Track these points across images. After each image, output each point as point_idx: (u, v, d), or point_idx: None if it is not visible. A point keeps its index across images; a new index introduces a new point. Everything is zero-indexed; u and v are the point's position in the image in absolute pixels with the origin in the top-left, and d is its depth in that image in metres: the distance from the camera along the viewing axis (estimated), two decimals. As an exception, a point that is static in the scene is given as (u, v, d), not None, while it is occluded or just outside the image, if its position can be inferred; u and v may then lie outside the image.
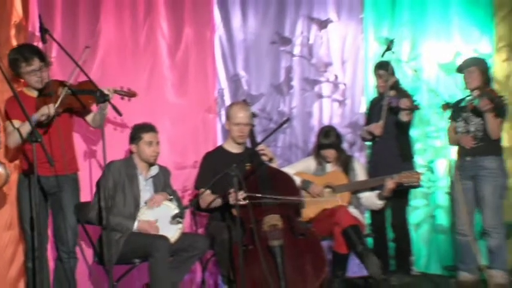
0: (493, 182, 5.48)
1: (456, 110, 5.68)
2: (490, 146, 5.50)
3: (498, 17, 6.79)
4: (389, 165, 5.56)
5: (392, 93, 5.76)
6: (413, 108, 5.57)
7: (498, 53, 6.76)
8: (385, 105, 5.67)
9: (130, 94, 5.10)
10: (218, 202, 5.04)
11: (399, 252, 5.95)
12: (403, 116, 5.62)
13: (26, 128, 4.57)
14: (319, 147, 5.54)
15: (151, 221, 4.86)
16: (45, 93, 4.72)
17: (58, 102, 4.66)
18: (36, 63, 4.69)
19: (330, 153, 5.50)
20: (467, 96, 5.64)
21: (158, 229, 4.85)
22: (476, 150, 5.50)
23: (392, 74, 5.80)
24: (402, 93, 5.75)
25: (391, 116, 5.70)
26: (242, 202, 4.70)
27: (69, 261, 4.88)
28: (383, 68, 5.83)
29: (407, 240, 5.98)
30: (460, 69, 5.70)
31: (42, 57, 4.74)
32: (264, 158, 5.25)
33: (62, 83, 4.79)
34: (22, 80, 4.85)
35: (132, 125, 5.10)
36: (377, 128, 5.74)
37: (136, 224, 4.83)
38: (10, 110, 4.70)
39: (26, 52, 4.70)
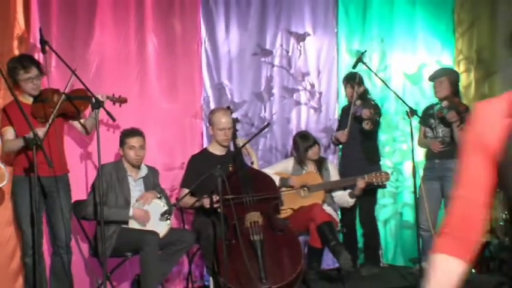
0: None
1: (426, 116, 5.74)
2: (456, 149, 5.57)
3: (458, 32, 6.90)
4: (357, 168, 5.62)
5: (358, 102, 5.82)
6: (373, 118, 5.62)
7: (458, 65, 6.86)
8: (351, 114, 5.73)
9: (122, 100, 5.13)
10: (196, 204, 5.09)
11: (368, 246, 6.01)
12: (365, 125, 5.68)
13: (18, 143, 4.57)
14: (304, 150, 5.57)
15: (144, 209, 4.89)
16: (41, 100, 4.73)
17: (54, 112, 4.65)
18: (33, 71, 4.69)
19: (315, 150, 5.56)
20: (436, 104, 5.70)
21: (150, 217, 4.88)
22: (444, 153, 5.57)
23: (360, 84, 5.85)
24: (367, 103, 5.80)
25: (356, 124, 5.75)
26: (215, 205, 4.86)
27: (65, 256, 4.87)
28: (351, 79, 5.89)
29: (375, 236, 6.03)
30: (431, 78, 5.77)
31: (39, 66, 4.76)
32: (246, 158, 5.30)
33: (56, 91, 4.80)
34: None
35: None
36: (342, 135, 5.81)
37: (131, 211, 4.84)
38: (5, 118, 4.69)
39: (24, 61, 4.71)
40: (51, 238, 4.93)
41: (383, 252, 6.45)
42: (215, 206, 4.88)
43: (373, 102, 5.86)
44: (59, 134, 4.88)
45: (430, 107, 5.81)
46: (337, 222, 5.47)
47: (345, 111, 6.04)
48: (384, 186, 5.82)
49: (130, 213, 4.84)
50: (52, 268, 4.94)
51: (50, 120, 4.62)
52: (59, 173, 4.79)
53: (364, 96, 5.88)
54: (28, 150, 4.53)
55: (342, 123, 6.04)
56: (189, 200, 5.12)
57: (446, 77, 5.64)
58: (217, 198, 4.70)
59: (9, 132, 4.69)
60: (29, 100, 4.77)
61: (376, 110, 5.70)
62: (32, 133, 4.21)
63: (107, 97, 4.94)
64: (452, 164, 5.53)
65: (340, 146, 6.15)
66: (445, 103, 5.58)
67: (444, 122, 5.55)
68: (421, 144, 5.89)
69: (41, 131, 4.44)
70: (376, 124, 5.77)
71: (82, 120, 5.04)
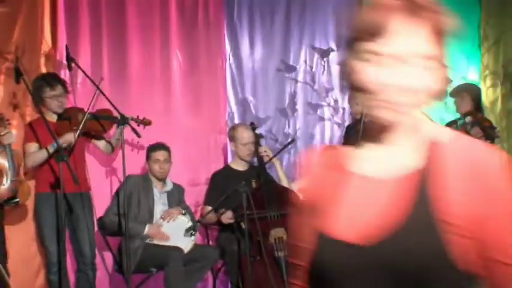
0: None
1: None
2: None
3: (484, 47, 6.83)
4: None
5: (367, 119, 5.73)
6: None
7: (484, 80, 6.80)
8: (361, 131, 5.64)
9: (146, 122, 5.13)
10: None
11: None
12: None
13: (42, 155, 4.62)
14: None
15: (158, 226, 4.89)
16: (65, 118, 4.77)
17: (80, 127, 4.69)
18: (58, 89, 4.75)
19: None
20: (459, 119, 5.64)
21: (166, 235, 4.87)
22: None
23: None
24: None
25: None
26: (231, 221, 4.91)
27: (90, 272, 4.88)
28: None
29: None
30: (452, 94, 5.71)
31: (64, 84, 4.82)
32: (265, 158, 5.28)
33: (80, 110, 4.84)
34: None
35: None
36: None
37: (147, 229, 4.83)
38: (30, 133, 4.73)
39: (50, 79, 4.79)
40: (76, 255, 4.93)
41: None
42: (235, 221, 4.86)
43: None
44: (82, 152, 4.93)
45: (453, 122, 5.74)
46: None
47: (351, 128, 5.99)
48: None
49: (146, 231, 4.84)
50: (77, 285, 4.94)
51: (75, 138, 4.66)
52: (83, 189, 4.81)
53: None
54: (50, 165, 4.57)
55: (348, 142, 5.95)
56: (213, 217, 5.11)
57: (467, 92, 5.59)
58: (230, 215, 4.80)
59: (33, 148, 4.74)
60: (54, 118, 4.82)
61: None
62: (55, 145, 4.27)
63: (132, 118, 4.95)
64: None
65: None
66: (468, 119, 5.52)
67: None
68: None
69: (69, 136, 4.57)
70: None
71: (103, 142, 5.06)
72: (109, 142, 5.06)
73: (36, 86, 4.75)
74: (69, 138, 4.61)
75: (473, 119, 5.47)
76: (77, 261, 4.93)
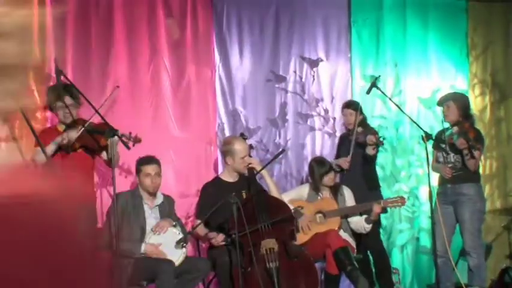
0: (472, 207, 5.50)
1: (437, 140, 5.69)
2: (468, 174, 5.52)
3: (472, 56, 6.88)
4: (357, 194, 5.57)
5: (359, 129, 5.78)
6: (378, 143, 5.60)
7: (472, 89, 6.83)
8: (353, 140, 5.70)
9: (136, 140, 4.96)
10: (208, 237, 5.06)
11: (380, 271, 5.87)
12: (370, 151, 5.65)
13: (51, 148, 4.64)
14: (320, 177, 5.51)
15: (155, 244, 4.84)
16: (67, 129, 4.75)
17: (72, 142, 4.68)
18: (66, 100, 4.72)
19: (331, 176, 5.51)
20: (447, 129, 5.65)
21: (163, 254, 4.83)
22: (456, 178, 5.50)
23: (360, 112, 5.81)
24: (368, 129, 5.78)
25: (358, 150, 5.72)
26: (222, 243, 4.89)
27: None
28: (351, 106, 5.86)
29: (385, 259, 5.92)
30: (439, 103, 5.73)
31: (73, 96, 4.78)
32: (253, 166, 5.25)
33: (83, 122, 4.81)
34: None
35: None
36: (345, 162, 5.75)
37: (143, 247, 4.81)
38: (41, 138, 4.70)
39: (59, 90, 4.76)
40: None
41: (400, 277, 6.35)
42: (226, 243, 4.88)
43: (374, 130, 5.84)
44: (84, 165, 4.87)
45: (442, 132, 5.75)
46: (353, 248, 5.41)
47: (344, 138, 6.02)
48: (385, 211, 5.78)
49: (142, 249, 4.81)
50: None
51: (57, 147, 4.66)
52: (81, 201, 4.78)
53: (363, 123, 5.86)
54: None
55: (341, 151, 5.99)
56: (201, 232, 5.08)
57: (453, 102, 5.59)
58: (222, 237, 4.88)
59: (36, 151, 4.74)
60: (62, 127, 4.85)
61: (379, 136, 5.69)
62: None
63: (122, 135, 4.84)
64: (464, 189, 5.50)
65: (340, 173, 6.09)
66: (455, 129, 5.53)
67: (455, 148, 5.50)
68: (433, 169, 5.83)
69: (71, 132, 4.63)
70: (377, 149, 5.76)
71: (104, 154, 5.01)
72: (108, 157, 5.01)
73: (47, 96, 4.87)
74: (72, 134, 4.60)
75: (459, 129, 5.49)
76: None
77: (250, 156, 5.37)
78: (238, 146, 5.25)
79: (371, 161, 5.78)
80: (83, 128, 4.70)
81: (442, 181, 5.64)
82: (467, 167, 5.46)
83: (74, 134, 4.65)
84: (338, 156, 6.03)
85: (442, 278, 5.49)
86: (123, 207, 4.85)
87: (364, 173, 5.80)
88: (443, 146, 5.60)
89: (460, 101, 5.65)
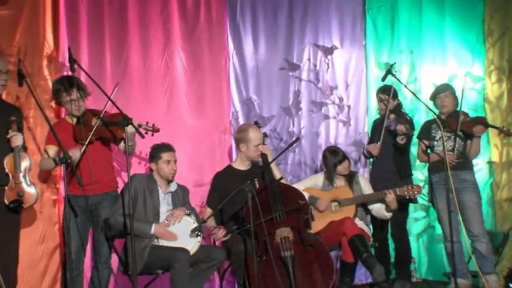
0: (474, 192, 5.57)
1: (425, 132, 5.77)
2: (467, 161, 5.62)
3: (488, 42, 6.80)
4: (389, 181, 5.54)
5: (392, 116, 5.74)
6: (408, 133, 5.56)
7: (489, 76, 6.76)
8: (384, 127, 5.66)
9: (155, 129, 4.97)
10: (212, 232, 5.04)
11: (400, 260, 5.88)
12: (400, 140, 5.61)
13: (50, 164, 4.69)
14: (334, 166, 5.49)
15: (165, 225, 4.85)
16: (81, 122, 4.74)
17: (90, 135, 4.66)
18: (74, 93, 4.71)
19: (345, 166, 5.48)
20: (432, 120, 5.65)
21: (174, 235, 4.83)
22: (457, 165, 5.47)
23: (394, 98, 5.78)
24: (402, 117, 5.73)
25: (389, 137, 5.68)
26: (223, 239, 4.91)
27: (104, 270, 4.89)
28: (385, 92, 5.81)
29: (407, 249, 5.91)
30: (435, 95, 5.71)
31: (81, 88, 4.78)
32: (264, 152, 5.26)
33: (95, 114, 4.80)
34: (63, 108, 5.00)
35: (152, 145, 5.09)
36: (375, 148, 5.73)
37: (153, 228, 4.80)
38: (51, 135, 4.69)
39: (66, 83, 4.75)
40: (94, 253, 4.98)
41: (416, 266, 6.32)
42: (222, 239, 4.91)
43: (407, 117, 5.79)
44: (103, 155, 4.92)
45: (433, 121, 5.70)
46: (369, 236, 5.39)
47: (377, 124, 5.96)
48: (415, 201, 5.73)
49: (152, 230, 4.80)
50: (91, 282, 4.97)
51: (85, 145, 4.64)
52: (104, 190, 4.84)
53: (397, 110, 5.81)
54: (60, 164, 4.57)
55: (373, 137, 5.95)
56: (209, 223, 5.07)
57: (451, 92, 5.72)
58: (224, 232, 4.87)
59: (51, 151, 4.75)
60: (73, 120, 4.84)
61: (411, 125, 5.65)
62: (63, 154, 4.25)
63: (139, 125, 4.83)
64: (466, 175, 5.59)
65: (371, 159, 6.08)
66: (464, 116, 5.55)
67: (465, 134, 5.49)
68: (423, 158, 5.81)
69: (74, 153, 4.52)
70: (410, 139, 5.71)
71: (122, 144, 5.00)
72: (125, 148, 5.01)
73: (54, 90, 4.84)
74: (74, 155, 4.56)
75: (471, 118, 5.60)
76: (94, 259, 4.95)
77: (264, 144, 5.36)
78: (253, 134, 5.24)
79: (402, 149, 5.73)
80: (96, 126, 4.69)
81: (438, 168, 5.55)
82: (464, 154, 5.55)
83: (76, 155, 4.59)
84: (370, 142, 6.01)
85: (458, 265, 5.44)
86: (137, 188, 4.87)
87: (395, 161, 5.76)
88: (437, 133, 5.60)
89: (454, 91, 5.69)
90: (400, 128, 5.54)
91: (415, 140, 5.93)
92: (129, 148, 4.60)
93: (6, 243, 4.50)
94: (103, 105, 4.78)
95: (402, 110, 5.88)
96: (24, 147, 4.60)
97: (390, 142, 5.69)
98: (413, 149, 6.13)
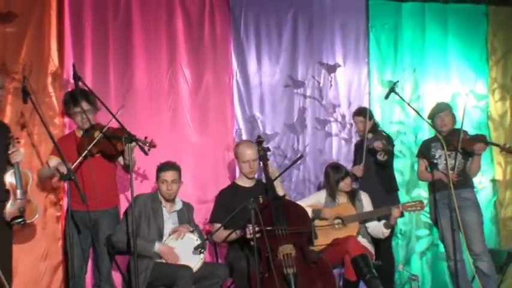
0: (475, 211, 5.53)
1: (424, 150, 5.73)
2: (467, 179, 5.58)
3: (492, 60, 6.83)
4: (376, 199, 5.54)
5: (370, 136, 5.80)
6: (385, 149, 5.59)
7: (492, 94, 6.78)
8: (365, 148, 5.71)
9: (152, 145, 4.93)
10: (233, 236, 4.98)
11: (385, 275, 5.77)
12: (379, 156, 5.64)
13: (48, 172, 4.79)
14: (336, 183, 5.49)
15: (170, 246, 4.84)
16: (87, 134, 4.77)
17: (88, 148, 4.68)
18: (83, 105, 4.75)
19: (347, 182, 5.48)
20: (432, 138, 5.67)
21: (177, 256, 4.83)
22: (458, 183, 5.46)
23: (370, 118, 5.83)
24: (379, 135, 5.80)
25: (370, 157, 5.71)
26: (257, 235, 4.72)
27: (106, 287, 4.89)
28: (361, 114, 5.87)
29: (392, 266, 5.86)
30: (434, 114, 5.69)
31: (90, 101, 4.80)
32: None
33: (101, 128, 4.82)
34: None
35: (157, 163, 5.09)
36: (358, 170, 5.77)
37: (157, 247, 4.80)
38: (55, 147, 4.70)
39: (75, 95, 4.78)
40: (94, 269, 4.97)
41: (420, 284, 6.29)
42: (248, 237, 4.81)
43: (383, 134, 5.84)
44: (107, 169, 4.93)
45: (428, 141, 5.72)
46: (372, 254, 5.37)
47: (358, 146, 6.03)
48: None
49: (156, 248, 4.80)
50: None
51: (82, 156, 4.65)
52: (105, 206, 4.85)
53: (374, 129, 5.87)
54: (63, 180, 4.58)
55: (356, 159, 5.98)
56: (223, 233, 5.05)
57: (449, 110, 5.68)
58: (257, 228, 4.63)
59: (52, 162, 4.78)
60: (80, 133, 4.89)
61: (388, 141, 5.68)
62: (67, 170, 4.26)
63: (138, 140, 4.82)
64: (467, 194, 5.52)
65: (358, 180, 6.07)
66: (465, 134, 5.55)
67: (466, 153, 5.48)
68: (423, 177, 5.80)
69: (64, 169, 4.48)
70: (389, 154, 5.75)
71: (121, 159, 5.01)
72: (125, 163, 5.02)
73: (63, 102, 4.94)
74: (61, 169, 4.53)
75: (473, 136, 5.57)
76: (94, 275, 4.95)
77: (266, 160, 5.34)
78: (241, 150, 5.26)
79: (384, 166, 5.76)
80: (97, 138, 4.71)
81: (441, 187, 5.55)
82: (465, 172, 5.53)
83: (64, 169, 4.47)
84: (354, 164, 6.02)
85: (462, 284, 5.42)
86: (141, 209, 4.87)
87: (380, 179, 5.79)
88: (438, 152, 5.59)
89: (452, 109, 5.72)
90: (377, 144, 5.61)
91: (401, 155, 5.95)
92: (127, 162, 4.63)
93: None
94: (107, 122, 4.80)
95: (379, 129, 5.93)
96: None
97: (372, 161, 5.72)
98: (399, 165, 6.12)
